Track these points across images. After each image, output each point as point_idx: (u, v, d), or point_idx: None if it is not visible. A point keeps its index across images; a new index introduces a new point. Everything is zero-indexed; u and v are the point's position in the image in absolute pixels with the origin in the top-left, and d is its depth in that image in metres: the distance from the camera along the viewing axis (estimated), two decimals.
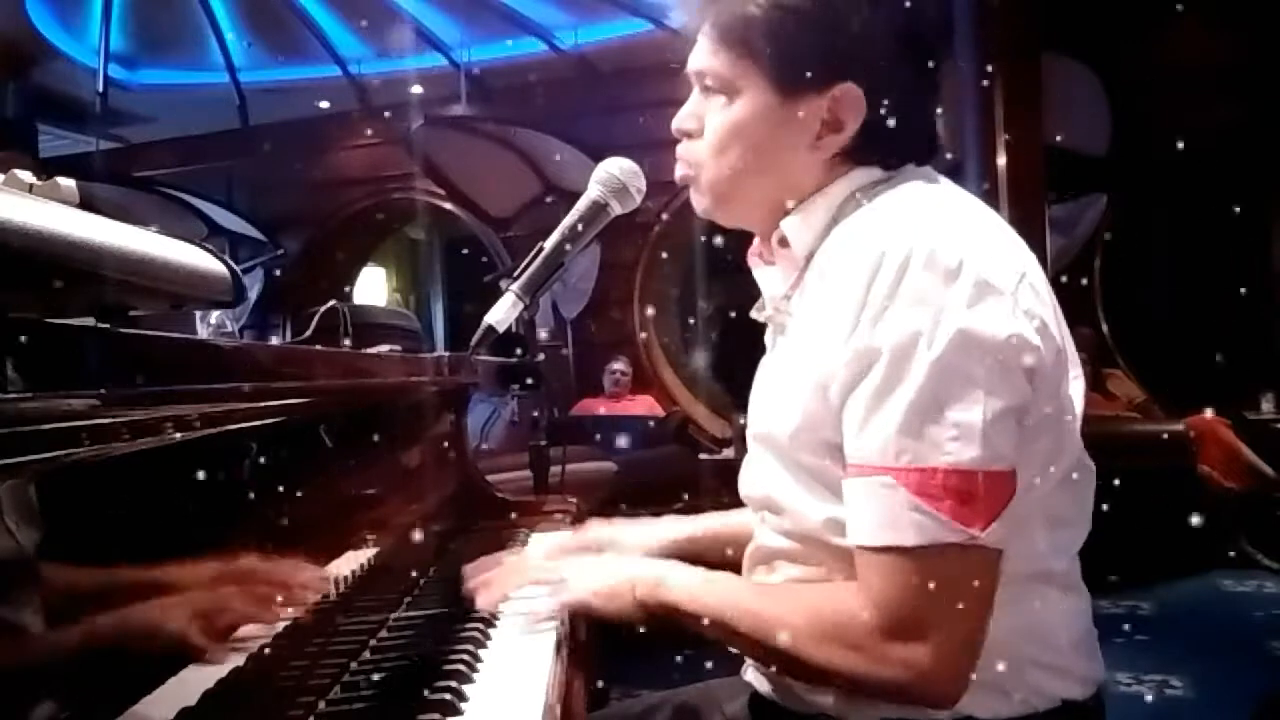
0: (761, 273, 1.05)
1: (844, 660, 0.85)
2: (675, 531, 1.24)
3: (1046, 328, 0.85)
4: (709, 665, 1.18)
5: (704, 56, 0.97)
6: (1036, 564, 0.90)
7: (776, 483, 0.97)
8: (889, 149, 0.95)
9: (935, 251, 0.82)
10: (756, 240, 1.06)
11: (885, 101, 0.92)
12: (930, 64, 0.95)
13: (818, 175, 0.96)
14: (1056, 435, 0.89)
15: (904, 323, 0.81)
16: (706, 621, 0.94)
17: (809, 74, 0.91)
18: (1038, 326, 0.84)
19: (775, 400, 0.97)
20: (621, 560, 1.13)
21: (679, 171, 1.03)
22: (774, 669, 0.97)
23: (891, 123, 0.92)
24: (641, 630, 0.99)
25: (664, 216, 6.01)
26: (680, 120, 1.01)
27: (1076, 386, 0.93)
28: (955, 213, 0.90)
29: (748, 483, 1.04)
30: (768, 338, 1.08)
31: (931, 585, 0.82)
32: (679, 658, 1.34)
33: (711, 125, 0.98)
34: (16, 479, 0.52)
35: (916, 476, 0.81)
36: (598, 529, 1.29)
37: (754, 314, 1.08)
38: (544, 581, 1.07)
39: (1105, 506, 1.00)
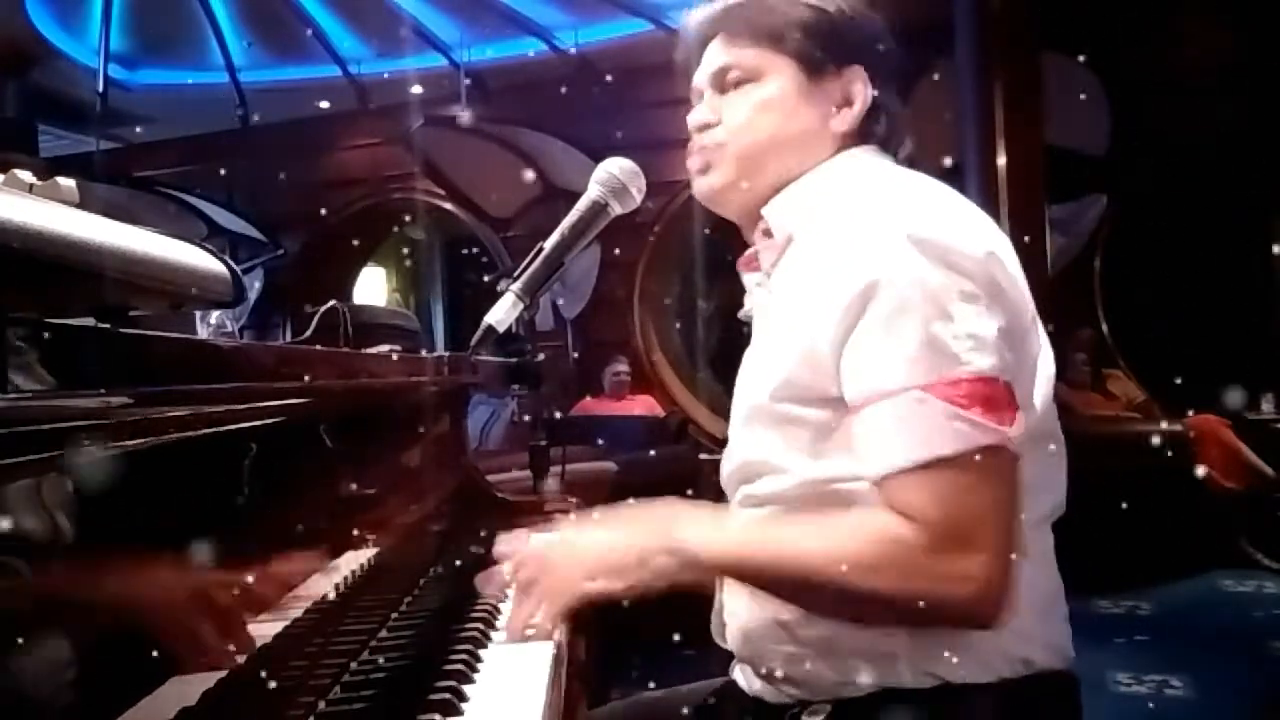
0: (750, 278, 1.11)
1: (899, 585, 0.85)
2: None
3: (1016, 284, 0.92)
4: (710, 663, 1.18)
5: (724, 57, 1.09)
6: None
7: (763, 447, 0.99)
8: (886, 129, 1.07)
9: (912, 222, 0.90)
10: (750, 250, 1.11)
11: (881, 85, 1.07)
12: (899, 60, 1.09)
13: (824, 153, 1.06)
14: (1022, 391, 0.92)
15: (893, 260, 0.88)
16: (740, 573, 0.96)
17: (829, 56, 1.06)
18: (1002, 275, 0.90)
19: (759, 373, 1.01)
20: (615, 532, 1.00)
21: (693, 162, 1.10)
22: (821, 611, 0.94)
23: (887, 104, 1.07)
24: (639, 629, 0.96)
25: (664, 216, 6.00)
26: (699, 115, 1.10)
27: (1045, 358, 0.98)
28: (929, 193, 0.97)
29: (728, 463, 1.06)
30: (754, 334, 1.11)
31: (972, 492, 0.85)
32: (687, 651, 1.34)
33: (743, 105, 1.07)
34: (16, 479, 0.52)
35: (944, 388, 0.85)
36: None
37: (740, 315, 1.13)
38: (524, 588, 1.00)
39: (1106, 506, 0.99)
